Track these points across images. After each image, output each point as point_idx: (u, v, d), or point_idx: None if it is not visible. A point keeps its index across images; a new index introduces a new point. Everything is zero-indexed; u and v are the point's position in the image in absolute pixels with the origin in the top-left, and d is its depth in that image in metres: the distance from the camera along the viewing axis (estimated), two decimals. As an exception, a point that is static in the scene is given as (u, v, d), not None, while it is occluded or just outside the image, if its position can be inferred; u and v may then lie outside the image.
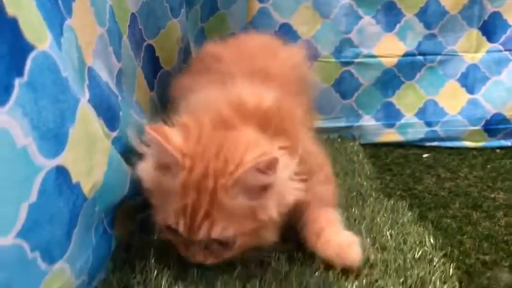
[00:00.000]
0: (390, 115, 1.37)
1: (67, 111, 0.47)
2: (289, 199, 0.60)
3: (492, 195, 0.97)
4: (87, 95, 0.56)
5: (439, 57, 1.34)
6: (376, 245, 0.68)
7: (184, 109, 0.69)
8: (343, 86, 1.35)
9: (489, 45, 1.34)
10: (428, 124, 1.36)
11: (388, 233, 0.72)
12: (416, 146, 1.35)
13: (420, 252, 0.66)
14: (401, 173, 1.12)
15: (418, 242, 0.69)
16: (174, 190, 0.57)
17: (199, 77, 0.81)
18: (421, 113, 1.37)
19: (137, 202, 0.64)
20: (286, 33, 1.32)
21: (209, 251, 0.59)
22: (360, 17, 1.32)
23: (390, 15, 1.32)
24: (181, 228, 0.56)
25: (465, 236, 0.75)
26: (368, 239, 0.69)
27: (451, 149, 1.33)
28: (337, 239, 0.64)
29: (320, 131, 1.29)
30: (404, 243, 0.69)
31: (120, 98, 0.66)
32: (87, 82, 0.58)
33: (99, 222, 0.55)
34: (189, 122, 0.63)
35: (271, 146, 0.60)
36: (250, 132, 0.63)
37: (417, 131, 1.36)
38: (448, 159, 1.24)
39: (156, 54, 0.90)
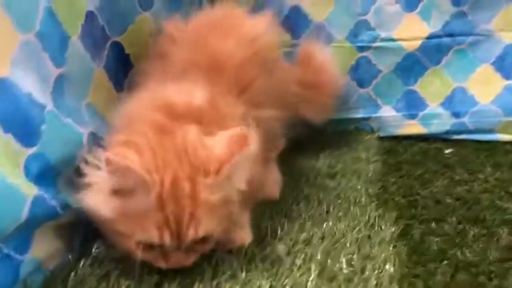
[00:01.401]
0: (412, 105, 1.23)
1: None
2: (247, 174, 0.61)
3: (506, 205, 0.84)
4: (-10, 110, 0.53)
5: (469, 38, 1.18)
6: (323, 274, 0.60)
7: (118, 124, 0.67)
8: (360, 74, 1.23)
9: (531, 23, 1.16)
10: (456, 115, 1.21)
11: (347, 257, 0.63)
12: (441, 139, 1.22)
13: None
14: (410, 174, 1.00)
15: (377, 272, 0.60)
16: (147, 208, 0.56)
17: (154, 62, 0.78)
18: (447, 103, 1.22)
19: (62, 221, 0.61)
20: (297, 16, 1.23)
21: (189, 252, 0.60)
22: (377, -4, 1.19)
23: (411, -7, 1.18)
24: (167, 239, 0.57)
25: (443, 263, 0.65)
26: (315, 266, 0.61)
27: (479, 143, 1.17)
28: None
29: (335, 122, 1.20)
30: (362, 272, 0.61)
31: (48, 108, 0.62)
32: (-8, 96, 0.54)
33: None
34: (133, 138, 0.61)
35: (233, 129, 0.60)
36: (193, 130, 0.62)
37: (442, 123, 1.22)
38: (472, 156, 1.10)
39: (126, 52, 0.85)
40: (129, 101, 0.69)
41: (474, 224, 0.77)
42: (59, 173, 0.64)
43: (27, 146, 0.58)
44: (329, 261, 0.63)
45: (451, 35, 1.18)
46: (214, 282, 0.59)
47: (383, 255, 0.65)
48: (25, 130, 0.58)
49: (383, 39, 1.20)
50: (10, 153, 0.55)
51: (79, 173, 0.61)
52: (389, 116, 1.25)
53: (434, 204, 0.86)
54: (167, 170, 0.57)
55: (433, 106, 1.22)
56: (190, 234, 0.57)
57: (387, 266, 0.61)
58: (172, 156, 0.58)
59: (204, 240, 0.59)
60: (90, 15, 0.75)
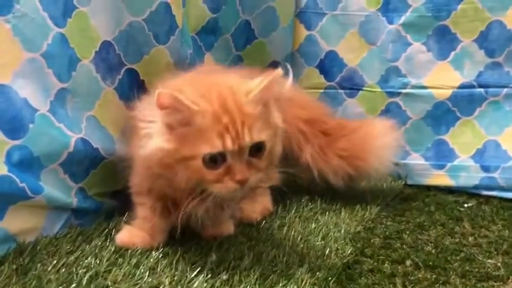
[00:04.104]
0: (442, 155, 1.20)
1: None
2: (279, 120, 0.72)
3: (481, 259, 0.78)
4: (-18, 107, 0.69)
5: (505, 90, 1.13)
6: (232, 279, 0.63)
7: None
8: (390, 119, 1.23)
9: None
10: (486, 169, 1.14)
11: (262, 275, 0.66)
12: (468, 193, 1.15)
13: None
14: (409, 221, 0.97)
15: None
16: (205, 126, 0.66)
17: None
18: (478, 155, 1.16)
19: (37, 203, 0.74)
20: (332, 60, 1.29)
21: (249, 167, 0.68)
22: (409, 44, 1.20)
23: (443, 41, 1.17)
24: (229, 143, 0.66)
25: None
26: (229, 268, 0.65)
27: (506, 201, 1.09)
28: None
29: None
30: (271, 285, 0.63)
31: (40, 112, 0.76)
32: (-14, 96, 0.70)
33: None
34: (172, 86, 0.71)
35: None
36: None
37: (471, 176, 1.16)
38: (488, 213, 1.02)
39: (141, 78, 0.98)
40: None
41: (429, 268, 0.74)
42: (42, 166, 0.77)
43: (12, 138, 0.72)
44: (244, 273, 0.66)
45: (484, 86, 1.14)
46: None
47: (298, 278, 0.66)
48: (13, 126, 0.72)
49: (414, 86, 1.20)
50: (-6, 142, 0.70)
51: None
52: (418, 164, 1.22)
53: (409, 248, 0.83)
54: (212, 92, 0.68)
55: (463, 158, 1.17)
56: (247, 138, 0.66)
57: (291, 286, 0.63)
58: (212, 85, 0.70)
59: (259, 152, 0.68)
60: (106, 44, 0.90)
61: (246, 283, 0.64)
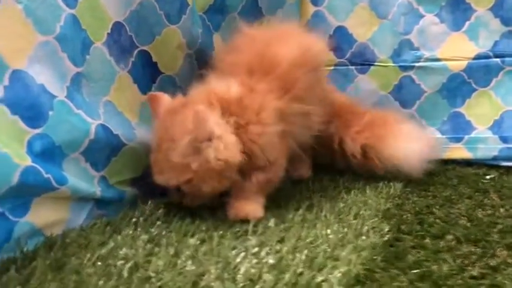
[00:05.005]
0: (458, 128, 1.18)
1: None
2: (224, 154, 0.75)
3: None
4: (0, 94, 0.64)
5: (521, 59, 1.11)
6: (279, 264, 0.61)
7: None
8: (403, 93, 1.21)
9: None
10: (504, 140, 1.13)
11: (312, 254, 0.64)
12: (487, 165, 1.14)
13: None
14: (435, 195, 0.95)
15: (333, 271, 0.60)
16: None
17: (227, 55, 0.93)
18: (496, 126, 1.14)
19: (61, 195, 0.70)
20: (342, 36, 1.25)
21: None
22: (421, 16, 1.17)
23: (457, 12, 1.14)
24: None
25: (411, 271, 0.61)
26: (275, 259, 0.62)
27: (527, 170, 1.08)
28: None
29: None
30: (319, 270, 0.60)
31: (59, 98, 0.72)
32: (5, 83, 0.65)
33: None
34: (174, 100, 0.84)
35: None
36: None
37: (490, 148, 1.14)
38: (512, 183, 1.01)
39: (154, 60, 0.94)
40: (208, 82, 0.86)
41: (472, 243, 0.72)
42: (64, 155, 0.73)
43: (32, 127, 0.68)
44: (290, 256, 0.63)
45: (501, 55, 1.12)
46: (174, 260, 0.62)
47: (350, 258, 0.64)
48: (32, 114, 0.68)
49: (427, 59, 1.18)
50: (14, 132, 0.66)
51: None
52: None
53: (443, 223, 0.81)
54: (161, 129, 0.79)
55: (481, 130, 1.16)
56: (159, 180, 0.77)
57: (345, 268, 0.60)
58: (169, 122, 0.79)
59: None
60: (117, 26, 0.86)
61: (293, 266, 0.61)
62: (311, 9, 1.27)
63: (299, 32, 0.98)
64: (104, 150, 0.80)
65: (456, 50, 1.15)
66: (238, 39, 0.95)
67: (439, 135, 1.19)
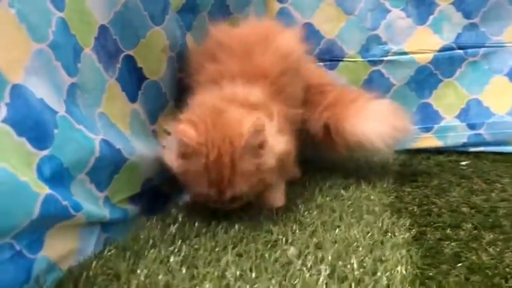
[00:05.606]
0: (427, 118, 1.23)
1: None
2: (279, 148, 0.78)
3: (524, 213, 0.81)
4: (3, 114, 0.55)
5: (482, 50, 1.18)
6: (334, 274, 0.59)
7: (188, 108, 0.85)
8: (373, 87, 1.22)
9: (543, 33, 1.15)
10: (472, 127, 1.20)
11: (359, 259, 0.62)
12: (457, 152, 1.20)
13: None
14: (426, 185, 0.98)
15: (388, 273, 0.59)
16: (200, 170, 0.76)
17: (208, 63, 0.91)
18: (463, 115, 1.21)
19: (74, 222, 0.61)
20: (309, 33, 1.25)
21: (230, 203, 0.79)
22: (388, 11, 1.21)
23: (422, 6, 1.19)
24: (214, 195, 0.77)
25: (457, 265, 0.63)
26: (326, 267, 0.60)
27: (497, 155, 1.16)
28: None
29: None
30: (373, 273, 0.59)
31: (60, 114, 0.64)
32: (6, 101, 0.56)
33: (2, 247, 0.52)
34: (193, 117, 0.79)
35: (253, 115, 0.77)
36: (235, 110, 0.79)
37: (459, 135, 1.21)
38: (490, 168, 1.08)
39: (139, 65, 0.87)
40: (202, 93, 0.86)
41: (490, 230, 0.75)
42: (72, 177, 0.65)
43: (40, 148, 0.59)
44: (340, 263, 0.61)
45: (463, 47, 1.19)
46: (224, 282, 0.58)
47: (395, 257, 0.63)
48: (38, 134, 0.59)
49: (395, 53, 1.21)
50: (23, 155, 0.57)
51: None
52: (404, 130, 1.23)
53: (449, 212, 0.84)
54: (214, 145, 0.75)
55: (449, 119, 1.22)
56: (228, 195, 0.77)
57: (399, 268, 0.60)
58: (219, 136, 0.75)
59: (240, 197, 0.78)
60: (103, 29, 0.78)
61: (349, 273, 0.59)
62: (276, 6, 1.26)
63: (273, 32, 0.96)
64: (107, 167, 0.72)
65: (422, 43, 1.20)
66: (212, 44, 0.94)
67: (409, 126, 1.23)
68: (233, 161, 0.75)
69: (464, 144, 1.20)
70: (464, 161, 1.14)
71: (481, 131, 1.19)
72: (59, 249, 0.62)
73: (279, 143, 0.79)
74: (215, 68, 0.89)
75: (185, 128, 0.76)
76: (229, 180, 0.75)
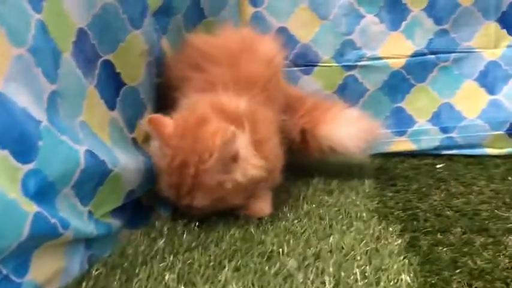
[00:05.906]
0: (401, 122, 1.25)
1: None
2: (251, 172, 0.77)
3: (506, 214, 0.83)
4: (-17, 126, 0.50)
5: (453, 56, 1.21)
6: (339, 286, 0.57)
7: (183, 106, 0.84)
8: (347, 92, 1.24)
9: (510, 39, 1.19)
10: (444, 130, 1.22)
11: (360, 269, 0.61)
12: (431, 155, 1.22)
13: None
14: (407, 189, 0.99)
15: (393, 283, 0.58)
16: (163, 168, 0.78)
17: (191, 73, 0.91)
18: (435, 118, 1.23)
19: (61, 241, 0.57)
20: (284, 38, 1.23)
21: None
22: (362, 16, 1.21)
23: (395, 12, 1.20)
24: (172, 197, 0.79)
25: (457, 271, 0.63)
26: (330, 279, 0.59)
27: (470, 157, 1.19)
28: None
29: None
30: (377, 283, 0.58)
31: (44, 123, 0.59)
32: (-13, 110, 0.51)
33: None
34: (179, 118, 0.79)
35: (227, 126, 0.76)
36: (215, 123, 0.78)
37: (431, 138, 1.23)
38: (464, 170, 1.10)
39: (117, 71, 0.82)
40: (193, 98, 0.85)
41: (478, 233, 0.76)
42: (56, 192, 0.60)
43: (24, 162, 0.55)
44: (342, 273, 0.60)
45: (435, 52, 1.21)
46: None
47: (395, 266, 0.63)
48: (22, 146, 0.55)
49: (369, 58, 1.22)
50: (6, 170, 0.52)
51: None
52: (379, 134, 1.25)
53: (434, 216, 0.84)
54: (182, 152, 0.75)
55: (421, 122, 1.24)
56: (185, 202, 0.77)
57: (402, 277, 0.59)
58: (190, 144, 0.75)
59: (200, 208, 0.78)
60: (81, 33, 0.73)
61: (355, 284, 0.58)
62: (251, 10, 1.24)
63: (254, 39, 0.98)
64: (92, 180, 0.68)
65: (395, 48, 1.21)
66: (193, 53, 0.94)
67: (383, 130, 1.25)
68: (197, 174, 0.74)
69: (438, 148, 1.23)
70: (438, 164, 1.16)
71: (453, 134, 1.22)
72: (46, 270, 0.57)
73: (253, 166, 0.77)
74: (203, 77, 0.89)
75: (166, 123, 0.77)
76: (189, 190, 0.76)
